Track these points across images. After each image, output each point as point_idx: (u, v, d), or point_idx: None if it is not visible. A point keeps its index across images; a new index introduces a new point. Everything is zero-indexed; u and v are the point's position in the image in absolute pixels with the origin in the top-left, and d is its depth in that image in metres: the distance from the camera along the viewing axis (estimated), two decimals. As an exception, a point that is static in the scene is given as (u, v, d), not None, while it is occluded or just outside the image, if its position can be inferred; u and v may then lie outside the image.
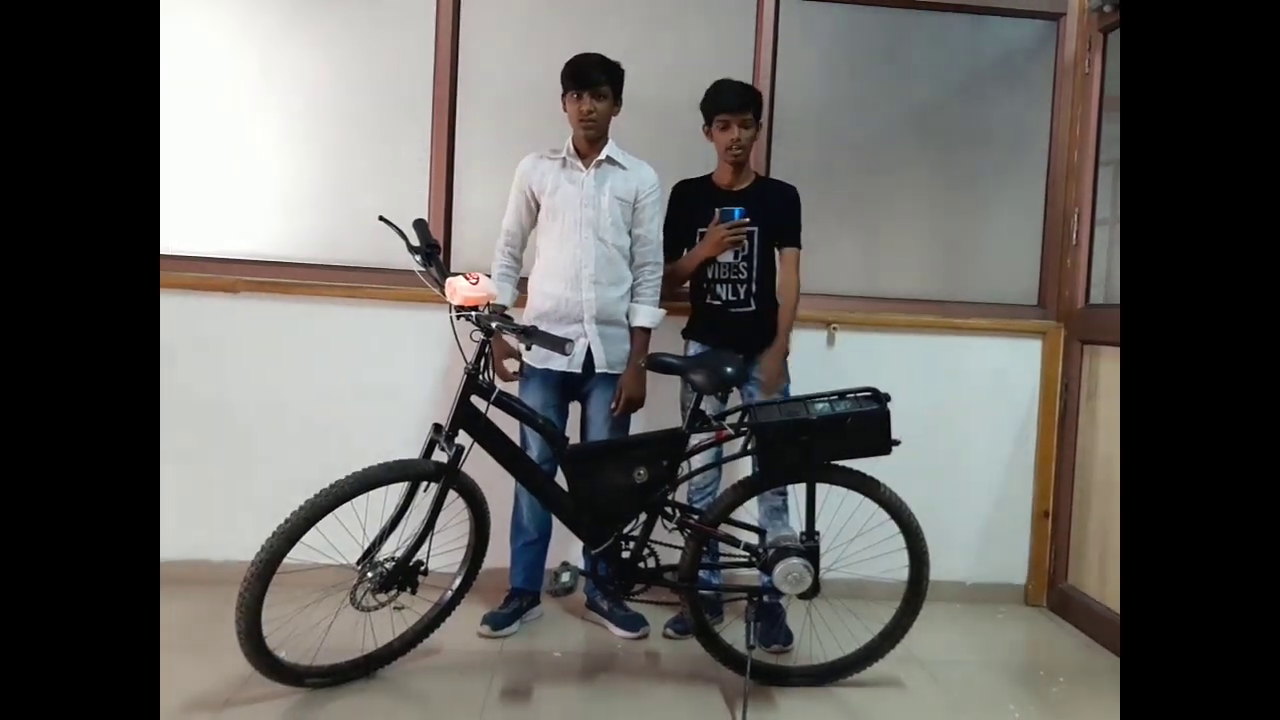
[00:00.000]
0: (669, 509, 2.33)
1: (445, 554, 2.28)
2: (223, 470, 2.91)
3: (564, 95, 2.58)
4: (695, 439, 2.35)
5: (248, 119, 3.00)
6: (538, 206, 2.64)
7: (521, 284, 2.73)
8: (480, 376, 2.23)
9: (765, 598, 2.51)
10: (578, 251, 2.58)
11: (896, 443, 2.24)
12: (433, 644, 2.43)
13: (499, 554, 2.59)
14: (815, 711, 2.29)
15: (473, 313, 2.20)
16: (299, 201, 3.03)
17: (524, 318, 2.62)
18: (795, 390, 2.69)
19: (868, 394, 2.28)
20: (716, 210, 2.66)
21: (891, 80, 3.20)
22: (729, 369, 2.33)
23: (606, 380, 2.64)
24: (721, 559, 2.61)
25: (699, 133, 2.72)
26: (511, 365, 2.62)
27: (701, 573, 2.45)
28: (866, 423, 2.23)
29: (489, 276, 2.33)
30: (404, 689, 2.29)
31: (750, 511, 2.53)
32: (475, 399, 2.24)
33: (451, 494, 2.23)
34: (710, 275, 2.70)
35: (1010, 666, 2.66)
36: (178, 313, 2.81)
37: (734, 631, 2.38)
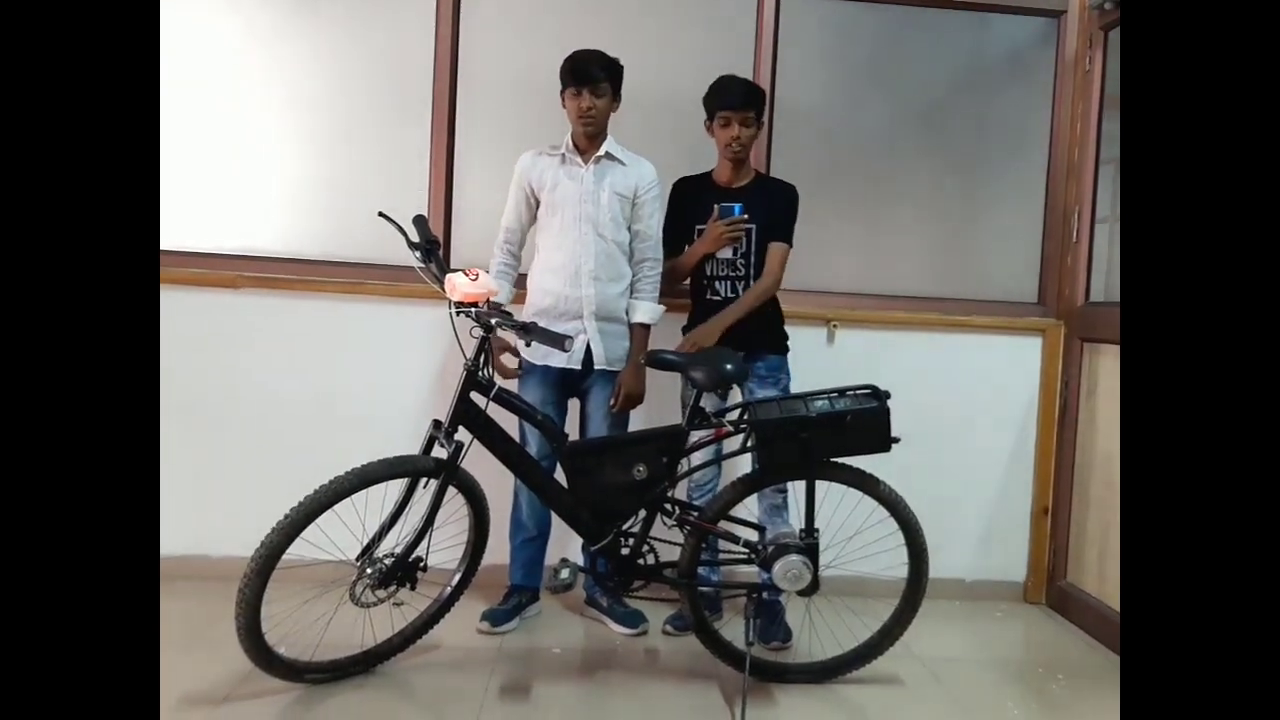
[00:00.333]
0: (668, 506, 2.33)
1: (444, 550, 2.28)
2: (222, 466, 2.91)
3: (563, 91, 2.58)
4: (695, 436, 2.35)
5: (248, 115, 2.99)
6: (537, 203, 2.64)
7: (520, 281, 2.73)
8: (480, 373, 2.24)
9: (764, 594, 2.51)
10: (577, 248, 2.58)
11: (896, 440, 2.24)
12: (432, 640, 2.43)
13: (498, 550, 2.59)
14: (814, 708, 2.30)
15: (472, 309, 2.21)
16: (299, 197, 3.03)
17: (523, 314, 2.62)
18: (795, 387, 2.68)
19: (867, 391, 2.28)
20: (715, 207, 2.66)
21: (892, 77, 3.20)
22: (729, 366, 2.33)
23: (606, 377, 2.64)
24: (721, 556, 2.61)
25: (699, 129, 2.72)
26: (510, 361, 2.62)
27: (701, 569, 2.45)
28: (866, 420, 2.23)
29: (489, 273, 2.32)
30: (403, 685, 2.29)
31: (750, 508, 2.53)
32: (475, 395, 2.24)
33: (451, 490, 2.23)
34: (709, 272, 2.70)
35: (1009, 664, 2.67)
36: (178, 308, 2.81)
37: (733, 628, 2.38)
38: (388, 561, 2.19)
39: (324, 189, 3.03)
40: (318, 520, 2.08)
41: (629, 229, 2.65)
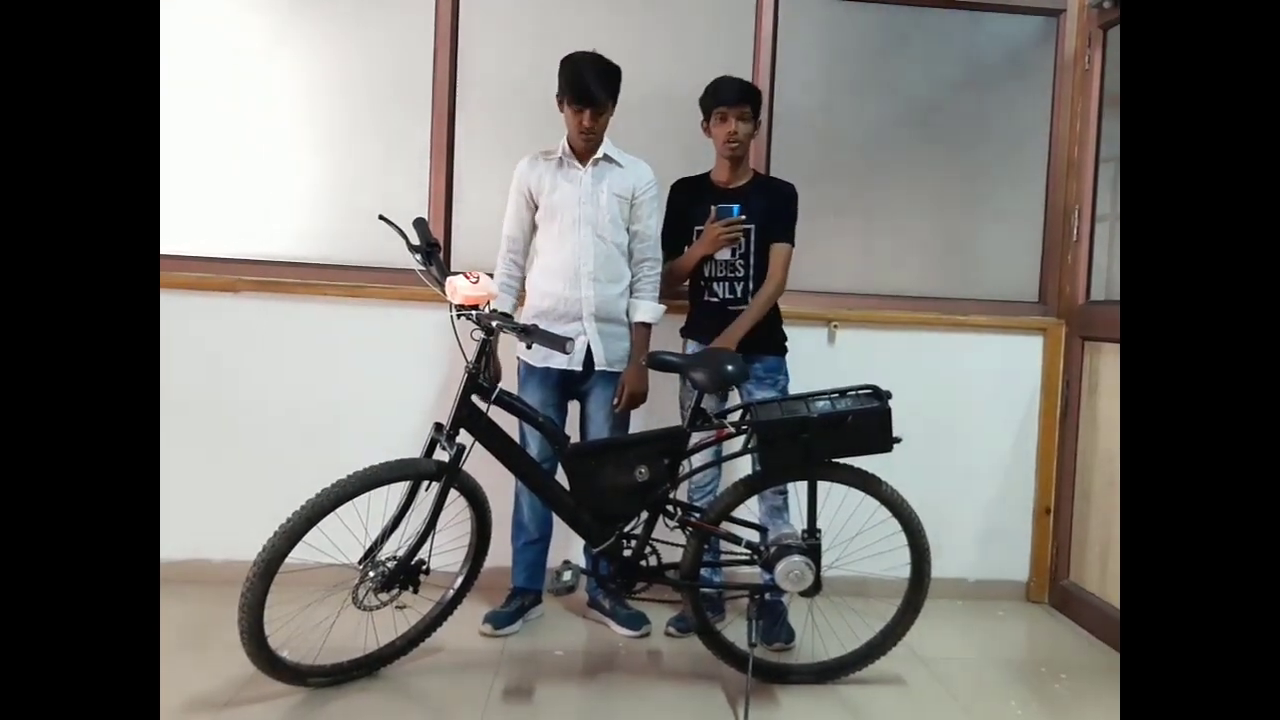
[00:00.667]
0: (670, 507, 2.34)
1: (447, 553, 2.28)
2: (224, 470, 2.91)
3: (561, 99, 2.57)
4: (696, 437, 2.35)
5: (248, 118, 3.00)
6: (537, 207, 2.64)
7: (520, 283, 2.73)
8: (481, 376, 2.24)
9: (767, 595, 2.51)
10: (577, 249, 2.58)
11: (897, 440, 2.24)
12: (435, 643, 2.43)
13: (500, 553, 2.59)
14: (817, 709, 2.30)
15: (473, 312, 2.21)
16: (299, 201, 3.03)
17: (523, 316, 2.62)
18: (797, 388, 2.68)
19: (869, 391, 2.28)
20: (713, 208, 2.66)
21: (891, 77, 3.20)
22: (730, 367, 2.33)
23: (606, 378, 2.64)
24: (723, 557, 2.61)
25: (698, 131, 2.72)
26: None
27: (703, 571, 2.45)
28: (867, 420, 2.23)
29: (489, 276, 2.32)
30: (406, 688, 2.29)
31: (751, 509, 2.53)
32: (476, 398, 2.24)
33: (453, 493, 2.23)
34: (707, 273, 2.70)
35: (1012, 663, 2.67)
36: (178, 312, 2.81)
37: (736, 629, 2.38)
38: (390, 565, 2.19)
39: (324, 192, 3.04)
40: (320, 524, 2.08)
41: (627, 230, 2.65)
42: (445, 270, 2.30)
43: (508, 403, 2.30)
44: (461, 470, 2.22)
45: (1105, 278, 3.11)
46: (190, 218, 2.96)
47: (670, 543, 2.36)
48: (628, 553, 2.35)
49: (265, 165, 3.01)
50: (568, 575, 2.35)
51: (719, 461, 2.62)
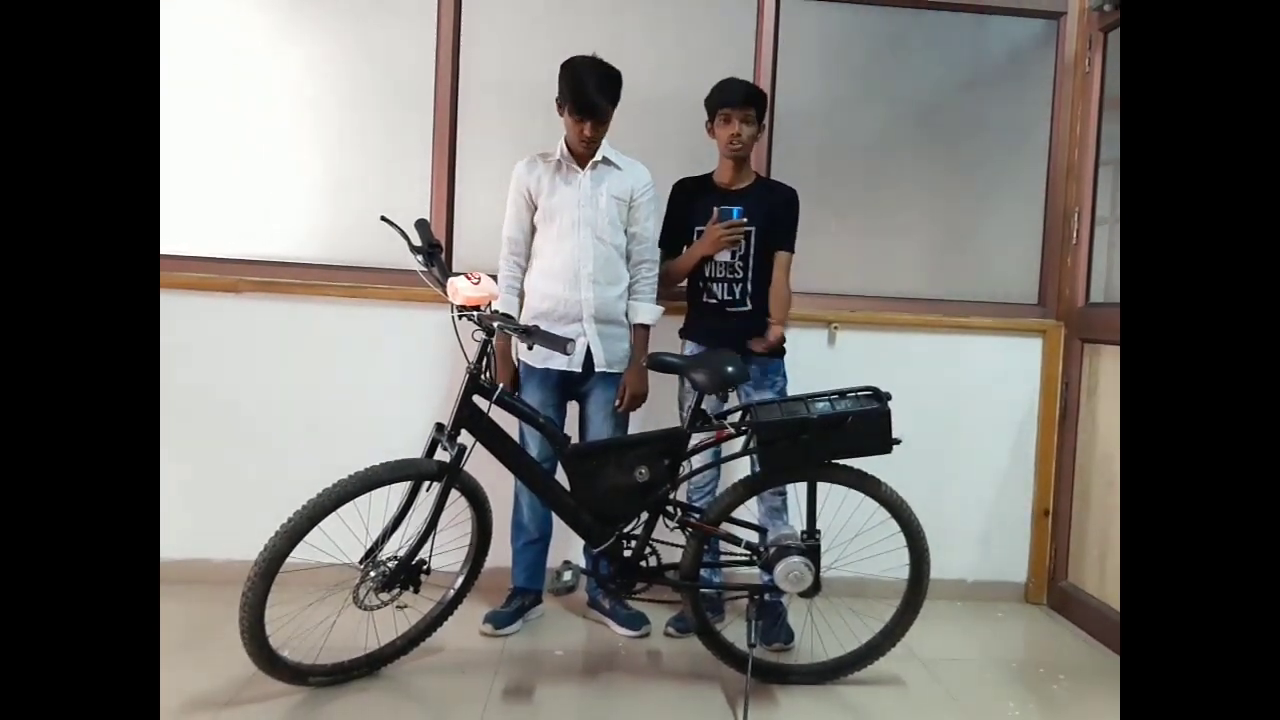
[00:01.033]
0: (670, 508, 2.34)
1: (447, 553, 2.28)
2: (224, 470, 2.92)
3: (561, 105, 2.57)
4: (696, 438, 2.36)
5: (249, 118, 3.00)
6: (535, 209, 2.64)
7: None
8: (482, 376, 2.24)
9: (766, 596, 2.51)
10: (576, 251, 2.58)
11: (897, 441, 2.25)
12: (435, 643, 2.44)
13: (501, 553, 2.60)
14: (816, 709, 2.30)
15: (474, 312, 2.21)
16: (301, 201, 3.03)
17: (522, 318, 2.62)
18: (797, 389, 2.69)
19: (868, 393, 2.29)
20: (715, 209, 2.66)
21: (892, 79, 3.20)
22: (730, 368, 2.33)
23: (605, 379, 2.65)
24: (722, 558, 2.62)
25: (699, 132, 2.72)
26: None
27: (703, 571, 2.45)
28: (867, 421, 2.23)
29: (491, 277, 2.33)
30: (407, 687, 2.30)
31: (751, 510, 2.53)
32: (477, 398, 2.24)
33: (454, 493, 2.23)
34: (707, 274, 2.71)
35: (1011, 664, 2.67)
36: (179, 313, 2.81)
37: (735, 630, 2.38)
38: (391, 565, 2.20)
39: (325, 193, 3.04)
40: (321, 523, 2.08)
41: (625, 232, 2.65)
42: (446, 271, 2.30)
43: (508, 403, 2.30)
44: (463, 470, 2.23)
45: (1105, 280, 3.11)
46: (191, 218, 2.96)
47: (670, 543, 2.37)
48: (628, 553, 2.35)
49: (266, 165, 3.01)
50: (568, 575, 2.35)
51: (719, 462, 2.62)
